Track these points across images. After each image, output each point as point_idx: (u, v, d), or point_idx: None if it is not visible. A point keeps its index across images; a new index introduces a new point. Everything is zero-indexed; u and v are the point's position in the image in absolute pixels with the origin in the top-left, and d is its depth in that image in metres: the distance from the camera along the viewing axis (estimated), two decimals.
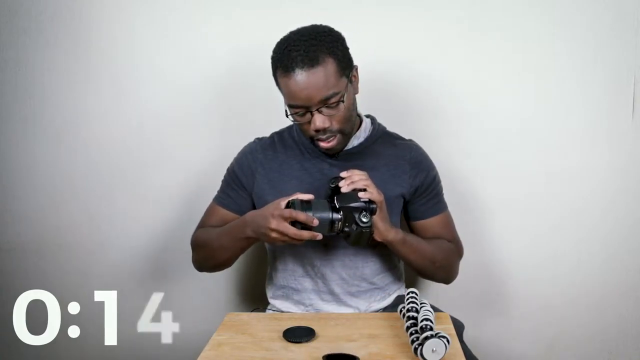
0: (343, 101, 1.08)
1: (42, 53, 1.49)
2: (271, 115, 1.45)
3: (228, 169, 1.27)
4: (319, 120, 1.07)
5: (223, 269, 1.25)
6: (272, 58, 1.11)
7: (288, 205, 1.02)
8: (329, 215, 1.01)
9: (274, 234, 1.02)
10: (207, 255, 1.21)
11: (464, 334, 1.15)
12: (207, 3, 1.48)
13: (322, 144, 1.12)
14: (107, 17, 1.49)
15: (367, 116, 1.27)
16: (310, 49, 1.04)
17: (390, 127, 1.30)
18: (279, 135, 1.27)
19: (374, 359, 0.89)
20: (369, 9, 1.43)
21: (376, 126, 1.25)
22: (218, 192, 1.27)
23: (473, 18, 1.46)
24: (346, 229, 1.02)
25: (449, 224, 1.27)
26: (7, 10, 1.48)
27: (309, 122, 1.08)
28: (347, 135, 1.15)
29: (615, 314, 1.55)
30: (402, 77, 1.48)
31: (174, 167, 1.53)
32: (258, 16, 1.46)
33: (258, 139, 1.28)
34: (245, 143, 1.28)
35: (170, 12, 1.48)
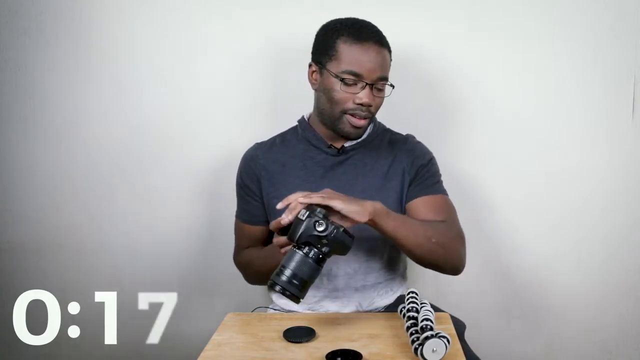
0: (392, 86, 1.16)
1: (42, 53, 1.49)
2: (271, 115, 1.46)
3: (236, 182, 1.27)
4: (368, 95, 1.12)
5: None
6: (334, 28, 1.14)
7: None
8: (302, 222, 0.94)
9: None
10: (255, 275, 1.26)
11: (464, 334, 1.15)
12: (207, 3, 1.48)
13: (356, 121, 1.15)
14: (107, 17, 1.49)
15: None
16: (380, 34, 1.15)
17: (391, 126, 1.30)
18: (281, 136, 1.28)
19: (374, 359, 0.89)
20: (368, 9, 1.42)
21: (376, 124, 1.27)
22: (237, 207, 1.29)
23: (473, 18, 1.46)
24: (325, 249, 0.94)
25: (447, 206, 1.19)
26: (7, 10, 1.48)
27: (353, 94, 1.12)
28: (370, 124, 1.21)
29: (615, 314, 1.55)
30: (401, 77, 1.47)
31: (174, 167, 1.53)
32: (258, 16, 1.46)
33: (257, 143, 1.28)
34: (246, 143, 1.28)
35: (170, 12, 1.48)
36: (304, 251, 0.93)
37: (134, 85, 1.51)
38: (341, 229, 0.94)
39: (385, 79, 1.14)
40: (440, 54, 1.48)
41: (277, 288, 0.92)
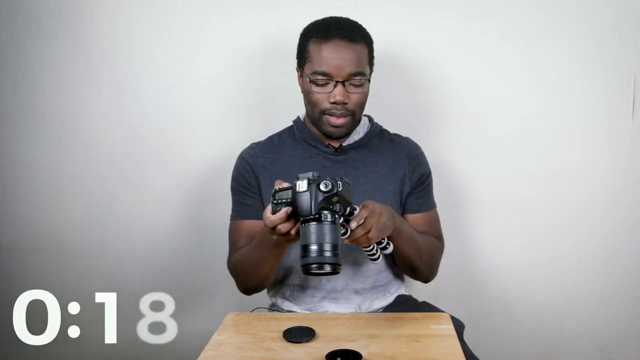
0: (369, 81, 1.14)
1: (42, 53, 1.49)
2: (271, 115, 1.45)
3: (234, 178, 1.24)
4: (340, 93, 1.11)
5: (268, 284, 1.21)
6: (306, 30, 1.15)
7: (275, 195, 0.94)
8: (307, 192, 0.88)
9: (286, 243, 0.99)
10: (248, 276, 1.17)
11: (464, 334, 1.15)
12: (207, 3, 1.48)
13: (334, 120, 1.14)
14: (107, 17, 1.49)
15: (364, 115, 1.28)
16: (351, 29, 1.12)
17: (391, 127, 1.30)
18: (278, 136, 1.27)
19: (374, 359, 0.89)
20: (368, 9, 1.43)
21: (374, 123, 1.27)
22: (233, 209, 1.24)
23: (473, 18, 1.46)
24: (337, 207, 0.89)
25: (437, 221, 1.28)
26: (7, 10, 1.48)
27: (327, 94, 1.12)
28: (355, 121, 1.18)
29: (614, 314, 1.55)
30: (402, 77, 1.48)
31: (174, 167, 1.53)
32: (258, 16, 1.46)
33: (254, 143, 1.27)
34: (246, 142, 1.27)
35: (171, 12, 1.48)
36: (318, 219, 0.87)
37: (134, 85, 1.51)
38: (339, 181, 0.89)
39: (359, 74, 1.11)
40: (440, 54, 1.48)
41: (314, 267, 0.85)
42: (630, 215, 1.51)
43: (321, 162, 1.21)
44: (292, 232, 0.91)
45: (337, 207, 0.89)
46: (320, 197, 0.87)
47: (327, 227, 0.87)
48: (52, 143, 1.53)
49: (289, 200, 0.89)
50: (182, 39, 1.49)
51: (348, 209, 0.93)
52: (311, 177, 0.88)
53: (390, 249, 1.04)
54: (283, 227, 0.91)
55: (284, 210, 0.90)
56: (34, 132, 1.52)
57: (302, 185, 0.88)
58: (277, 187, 0.93)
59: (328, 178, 0.88)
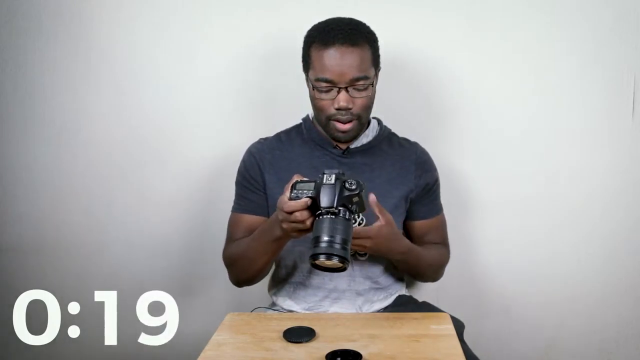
0: (372, 85, 1.12)
1: (42, 53, 1.49)
2: (271, 115, 1.45)
3: (239, 171, 1.25)
4: (344, 99, 1.10)
5: (262, 278, 1.22)
6: (308, 35, 1.14)
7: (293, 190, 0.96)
8: (334, 186, 0.91)
9: (293, 233, 0.99)
10: (243, 268, 1.18)
11: (464, 334, 1.15)
12: (207, 3, 1.48)
13: (340, 125, 1.14)
14: (107, 17, 1.49)
15: (374, 118, 1.28)
16: (352, 32, 1.10)
17: (390, 127, 1.30)
18: (286, 134, 1.27)
19: (374, 359, 0.89)
20: (368, 9, 1.42)
21: (382, 127, 1.27)
22: (235, 202, 1.25)
23: (473, 18, 1.46)
24: (354, 207, 0.92)
25: (444, 226, 1.30)
26: (7, 10, 1.48)
27: (332, 100, 1.11)
28: (362, 124, 1.17)
29: (615, 314, 1.55)
30: (401, 78, 1.48)
31: (174, 167, 1.53)
32: (258, 16, 1.46)
33: (262, 139, 1.27)
34: (246, 142, 1.28)
35: (171, 12, 1.48)
36: (336, 213, 0.89)
37: (134, 85, 1.51)
38: (362, 183, 0.92)
39: (362, 78, 1.10)
40: (439, 54, 1.47)
41: (322, 257, 0.86)
42: (630, 215, 1.51)
43: (328, 162, 1.20)
44: (308, 222, 0.93)
45: (355, 207, 0.92)
46: (345, 193, 0.90)
47: (341, 222, 0.89)
48: (52, 143, 1.53)
49: (311, 192, 0.93)
50: (182, 39, 1.49)
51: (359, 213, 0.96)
52: (338, 173, 0.92)
53: (364, 257, 1.10)
54: (300, 215, 0.93)
55: (304, 200, 0.92)
56: (34, 132, 1.52)
57: (329, 178, 0.91)
58: (297, 179, 0.96)
59: (353, 178, 0.92)
